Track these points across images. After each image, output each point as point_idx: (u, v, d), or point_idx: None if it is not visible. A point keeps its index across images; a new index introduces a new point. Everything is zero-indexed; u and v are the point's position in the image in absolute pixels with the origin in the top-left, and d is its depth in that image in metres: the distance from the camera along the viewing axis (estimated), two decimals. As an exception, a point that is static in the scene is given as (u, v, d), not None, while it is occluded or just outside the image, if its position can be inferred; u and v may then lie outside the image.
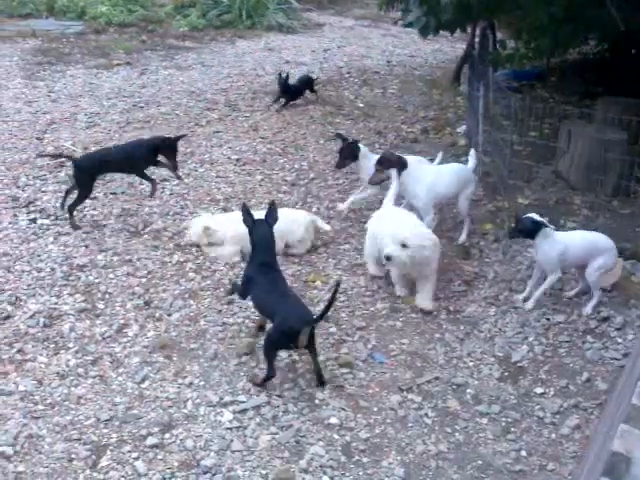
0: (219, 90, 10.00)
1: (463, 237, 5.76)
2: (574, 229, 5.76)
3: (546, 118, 7.69)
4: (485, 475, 3.50)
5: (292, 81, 9.33)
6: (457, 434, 3.76)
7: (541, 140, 7.03)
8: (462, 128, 8.31)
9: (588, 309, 4.78)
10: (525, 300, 4.91)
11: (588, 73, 9.94)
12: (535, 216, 4.75)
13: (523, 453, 3.63)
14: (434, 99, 9.90)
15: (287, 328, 3.86)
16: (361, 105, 9.49)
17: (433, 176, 5.54)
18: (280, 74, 9.18)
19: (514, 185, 6.35)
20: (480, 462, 3.57)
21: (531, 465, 3.56)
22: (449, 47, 13.42)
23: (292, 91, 9.27)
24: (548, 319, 4.74)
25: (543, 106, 7.06)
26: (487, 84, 7.25)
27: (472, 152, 5.87)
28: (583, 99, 8.73)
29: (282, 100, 9.20)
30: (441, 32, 7.74)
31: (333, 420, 3.80)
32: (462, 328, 4.66)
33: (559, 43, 8.83)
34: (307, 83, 9.47)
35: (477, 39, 9.06)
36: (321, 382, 4.01)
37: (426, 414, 3.89)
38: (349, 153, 5.98)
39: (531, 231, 4.68)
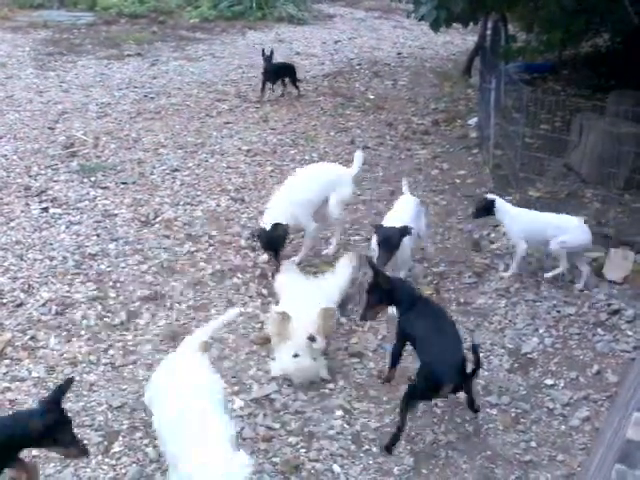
0: (229, 81, 10.01)
1: (331, 248, 5.41)
2: (585, 222, 5.78)
3: (558, 111, 7.65)
4: (494, 465, 3.51)
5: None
6: (467, 424, 3.76)
7: (553, 133, 7.00)
8: (473, 120, 8.29)
9: (549, 274, 4.96)
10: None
11: (601, 66, 9.87)
12: (492, 196, 5.16)
13: (533, 444, 3.64)
14: (445, 91, 9.87)
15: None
16: (372, 97, 9.48)
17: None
18: (264, 50, 9.03)
19: (525, 178, 6.33)
20: (489, 452, 3.58)
21: (540, 456, 3.56)
22: (460, 39, 13.36)
23: (275, 71, 9.11)
24: (559, 311, 4.73)
25: (555, 99, 7.03)
26: (499, 76, 7.23)
27: (358, 153, 5.48)
28: (595, 92, 8.67)
29: (268, 84, 9.09)
30: (453, 25, 7.72)
31: (343, 409, 3.82)
32: (472, 319, 4.66)
33: (571, 36, 8.80)
34: (287, 69, 9.33)
35: (489, 31, 9.03)
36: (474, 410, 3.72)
37: (436, 404, 3.89)
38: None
39: (488, 209, 5.07)
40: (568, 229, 4.83)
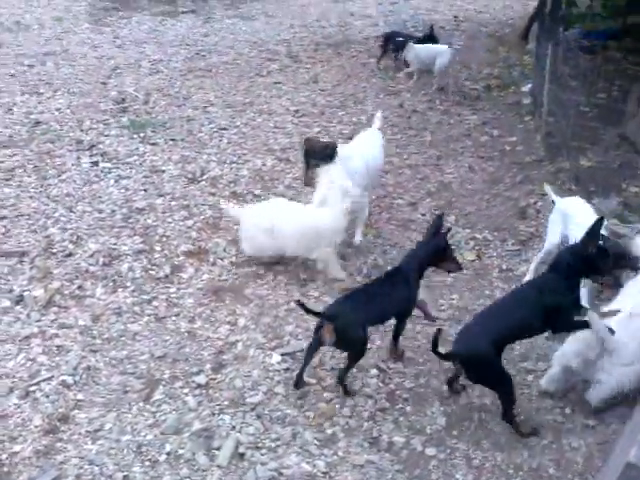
0: (281, 41, 9.96)
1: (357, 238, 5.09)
2: (637, 194, 5.63)
3: (617, 80, 7.41)
4: (527, 431, 3.50)
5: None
6: (502, 390, 3.75)
7: (609, 102, 6.78)
8: (527, 86, 8.08)
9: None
10: None
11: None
12: None
13: (567, 411, 3.61)
14: (500, 56, 9.63)
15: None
16: (424, 60, 9.29)
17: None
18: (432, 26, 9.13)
19: (577, 147, 6.17)
20: (523, 417, 3.57)
21: (574, 422, 3.54)
22: (520, 4, 12.93)
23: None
24: (601, 283, 4.63)
25: (614, 67, 6.79)
26: (557, 42, 7.01)
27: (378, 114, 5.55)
28: (658, 62, 8.35)
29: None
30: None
31: (378, 369, 3.86)
32: (513, 286, 4.59)
33: (636, 1, 8.43)
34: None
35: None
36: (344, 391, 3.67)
37: (471, 369, 3.89)
38: None
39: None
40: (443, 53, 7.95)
